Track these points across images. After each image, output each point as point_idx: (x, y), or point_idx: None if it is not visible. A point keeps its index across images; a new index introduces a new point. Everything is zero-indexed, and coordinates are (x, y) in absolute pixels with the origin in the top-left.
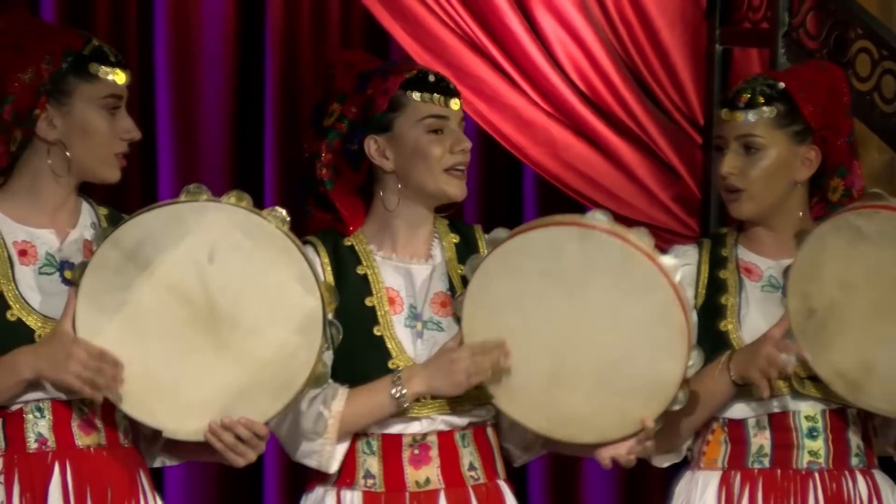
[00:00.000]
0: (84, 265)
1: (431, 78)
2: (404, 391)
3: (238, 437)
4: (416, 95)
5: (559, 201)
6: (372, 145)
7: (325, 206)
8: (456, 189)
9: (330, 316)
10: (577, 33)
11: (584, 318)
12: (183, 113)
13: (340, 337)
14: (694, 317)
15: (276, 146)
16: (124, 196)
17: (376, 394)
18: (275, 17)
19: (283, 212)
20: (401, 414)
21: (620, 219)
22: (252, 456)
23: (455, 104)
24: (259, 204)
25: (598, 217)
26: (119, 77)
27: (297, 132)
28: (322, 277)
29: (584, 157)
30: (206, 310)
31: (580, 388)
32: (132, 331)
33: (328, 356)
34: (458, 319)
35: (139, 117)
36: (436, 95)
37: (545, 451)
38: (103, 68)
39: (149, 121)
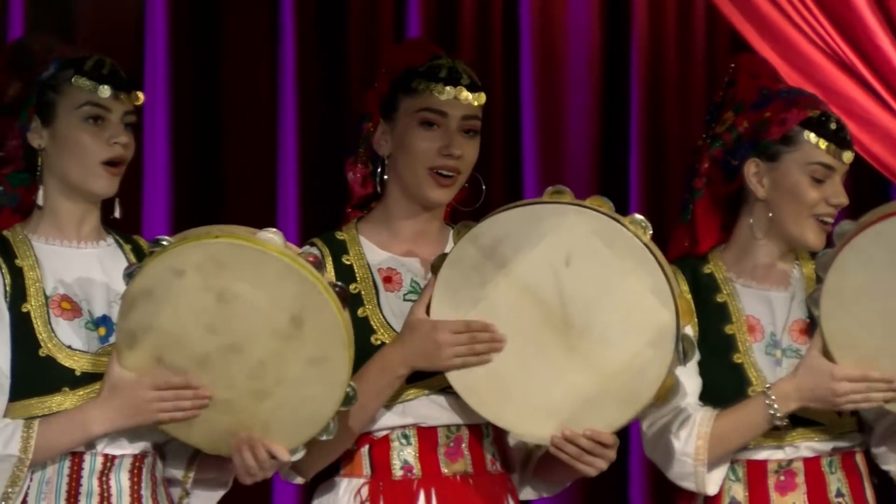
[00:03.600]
0: (444, 257)
1: (833, 125)
2: (779, 409)
3: (582, 448)
4: (811, 137)
5: None
6: (752, 168)
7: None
8: (817, 240)
9: (685, 331)
10: None
11: None
12: (548, 132)
13: (695, 354)
14: None
15: (641, 164)
16: None
17: (748, 414)
18: (640, 33)
19: (645, 220)
20: (766, 437)
21: None
22: (601, 464)
23: (847, 157)
24: None
25: None
26: (442, 93)
27: (662, 149)
28: (679, 290)
29: None
30: (558, 314)
31: None
32: None
33: (682, 371)
34: (811, 318)
35: (503, 137)
36: (831, 145)
37: None
38: (424, 82)
39: (514, 140)
